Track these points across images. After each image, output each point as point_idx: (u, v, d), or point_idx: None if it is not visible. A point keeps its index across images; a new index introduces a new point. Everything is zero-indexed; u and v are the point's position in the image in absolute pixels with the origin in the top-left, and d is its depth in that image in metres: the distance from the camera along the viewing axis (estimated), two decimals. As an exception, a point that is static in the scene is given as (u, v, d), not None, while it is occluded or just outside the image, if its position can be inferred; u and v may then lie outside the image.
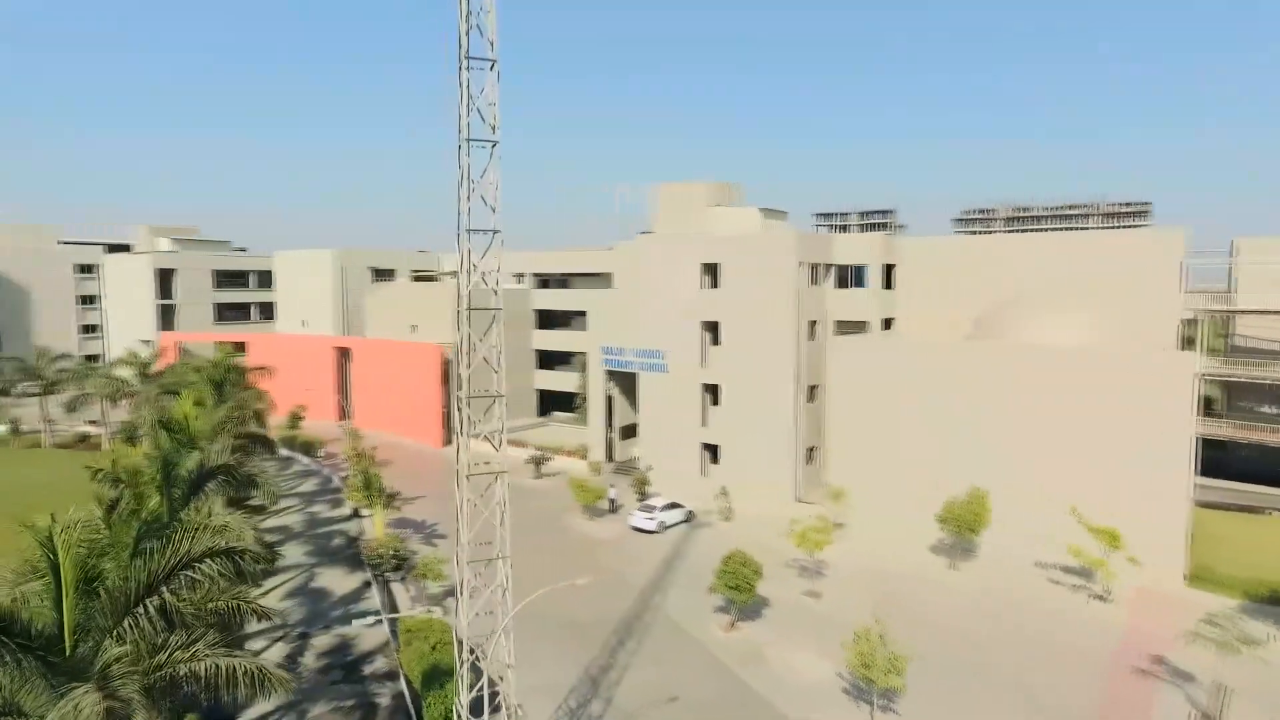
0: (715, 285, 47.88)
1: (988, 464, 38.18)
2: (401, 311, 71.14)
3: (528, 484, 52.29)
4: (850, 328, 47.77)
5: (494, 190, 18.70)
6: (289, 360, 77.16)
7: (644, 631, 31.04)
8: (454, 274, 68.10)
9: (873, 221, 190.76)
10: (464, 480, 20.29)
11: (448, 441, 64.71)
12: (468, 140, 17.99)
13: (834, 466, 44.48)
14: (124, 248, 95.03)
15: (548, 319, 70.65)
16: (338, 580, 36.26)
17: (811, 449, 47.04)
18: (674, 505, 44.03)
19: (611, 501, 48.83)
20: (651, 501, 44.01)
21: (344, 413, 74.51)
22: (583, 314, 64.90)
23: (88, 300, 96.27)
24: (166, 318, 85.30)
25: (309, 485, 55.07)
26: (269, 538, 42.41)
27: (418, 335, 68.11)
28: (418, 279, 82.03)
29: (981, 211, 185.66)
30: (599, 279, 65.52)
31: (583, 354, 62.20)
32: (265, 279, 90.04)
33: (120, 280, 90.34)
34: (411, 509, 47.52)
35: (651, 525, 42.22)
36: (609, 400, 55.81)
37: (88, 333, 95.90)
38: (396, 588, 35.57)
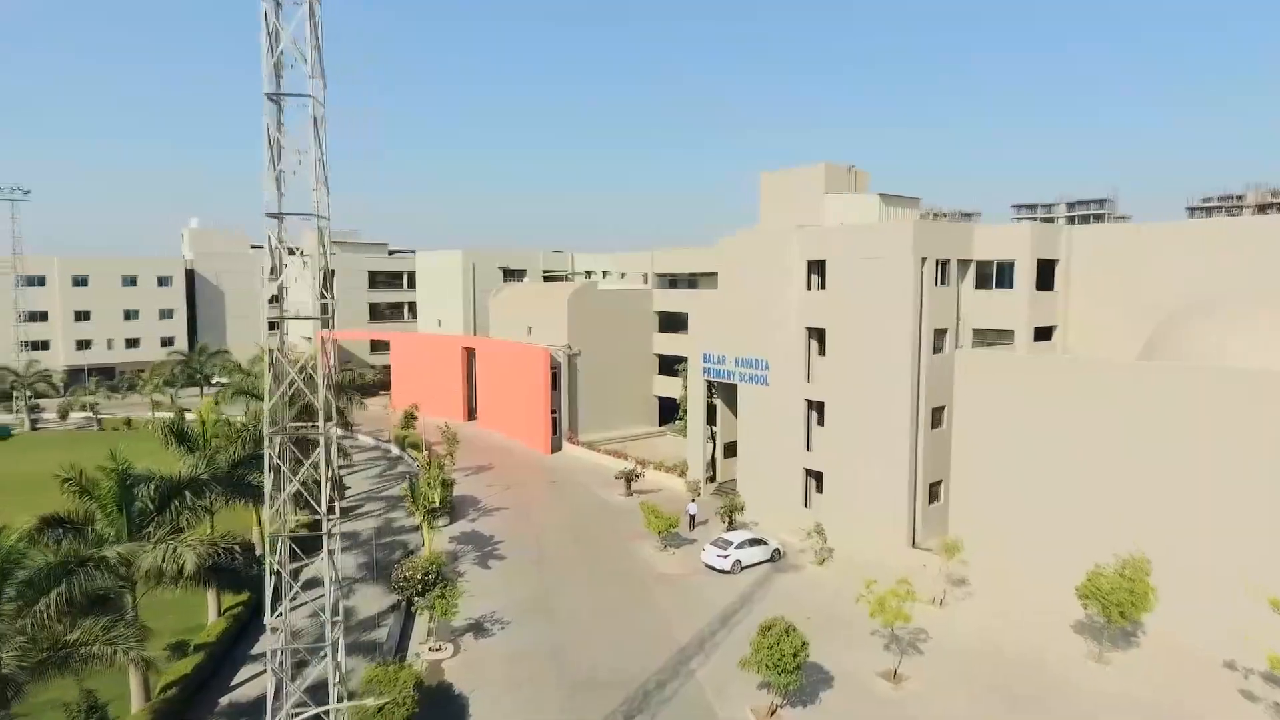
0: (823, 286, 40.92)
1: (1159, 524, 28.76)
2: (519, 312, 69.71)
3: (614, 502, 48.07)
4: (993, 338, 38.93)
5: (316, 160, 14.48)
6: (424, 359, 78.77)
7: (664, 702, 25.58)
8: (588, 274, 65.20)
9: (1084, 213, 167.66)
10: (277, 542, 16.40)
11: (556, 448, 62.17)
12: (279, 95, 13.91)
13: (956, 509, 36.18)
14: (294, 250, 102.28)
15: (669, 322, 66.16)
16: (371, 600, 33.99)
17: (936, 484, 38.80)
18: (756, 541, 37.83)
19: (692, 519, 43.68)
20: (729, 535, 38.09)
21: (470, 413, 74.58)
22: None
23: (272, 300, 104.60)
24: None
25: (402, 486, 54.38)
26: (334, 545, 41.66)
27: (533, 337, 66.20)
28: (548, 279, 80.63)
29: (1226, 198, 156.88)
30: (710, 279, 60.05)
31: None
32: (414, 280, 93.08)
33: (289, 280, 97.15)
34: (486, 521, 44.93)
35: (724, 564, 36.37)
36: (711, 412, 50.27)
37: (272, 330, 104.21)
38: (424, 615, 32.62)
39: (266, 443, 16.34)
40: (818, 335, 41.46)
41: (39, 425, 75.08)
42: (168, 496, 24.76)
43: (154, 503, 24.15)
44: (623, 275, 76.86)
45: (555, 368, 62.49)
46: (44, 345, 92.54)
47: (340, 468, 58.15)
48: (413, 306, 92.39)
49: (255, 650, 29.66)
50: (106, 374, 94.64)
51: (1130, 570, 26.90)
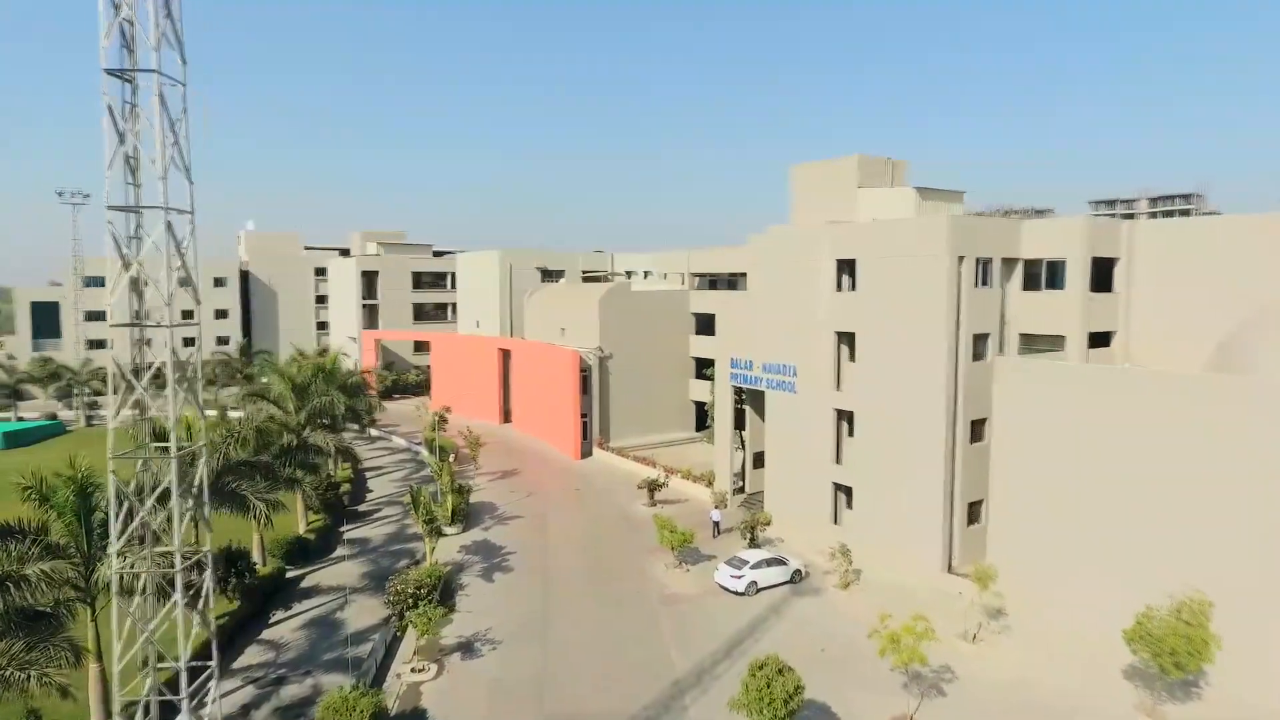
0: (853, 287, 37.97)
1: (1226, 562, 25.12)
2: (553, 313, 68.25)
3: (635, 512, 45.93)
4: (1043, 344, 35.34)
5: (170, 144, 12.77)
6: (462, 360, 78.17)
7: (648, 745, 23.35)
8: (628, 275, 63.22)
9: (1168, 209, 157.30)
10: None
11: (586, 453, 60.40)
12: (135, 71, 12.23)
13: (995, 533, 32.85)
14: (347, 252, 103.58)
15: (706, 324, 63.62)
16: (367, 613, 32.62)
17: (975, 504, 35.43)
18: (774, 561, 35.15)
19: (716, 525, 41.43)
20: (745, 554, 35.50)
21: (505, 415, 73.57)
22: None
23: (321, 300, 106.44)
24: (371, 316, 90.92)
25: (431, 489, 53.38)
26: (342, 550, 40.74)
27: (566, 339, 64.62)
28: (587, 279, 79.04)
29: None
30: (742, 279, 57.35)
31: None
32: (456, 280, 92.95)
33: (337, 281, 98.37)
34: (500, 530, 43.39)
35: (738, 585, 33.84)
36: (739, 419, 47.69)
37: (321, 329, 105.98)
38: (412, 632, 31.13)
39: (110, 465, 14.64)
40: (848, 340, 38.53)
41: (94, 421, 77.28)
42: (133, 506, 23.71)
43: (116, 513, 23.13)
44: (664, 276, 74.69)
45: (585, 370, 60.76)
46: (104, 344, 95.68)
47: (364, 470, 57.80)
48: (456, 307, 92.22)
49: (236, 665, 28.61)
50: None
51: (1188, 614, 23.40)
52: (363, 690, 22.98)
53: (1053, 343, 34.97)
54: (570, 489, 52.32)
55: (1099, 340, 35.07)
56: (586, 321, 62.87)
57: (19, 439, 69.48)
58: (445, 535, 42.01)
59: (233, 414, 71.13)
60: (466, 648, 29.49)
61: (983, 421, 34.81)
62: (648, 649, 29.32)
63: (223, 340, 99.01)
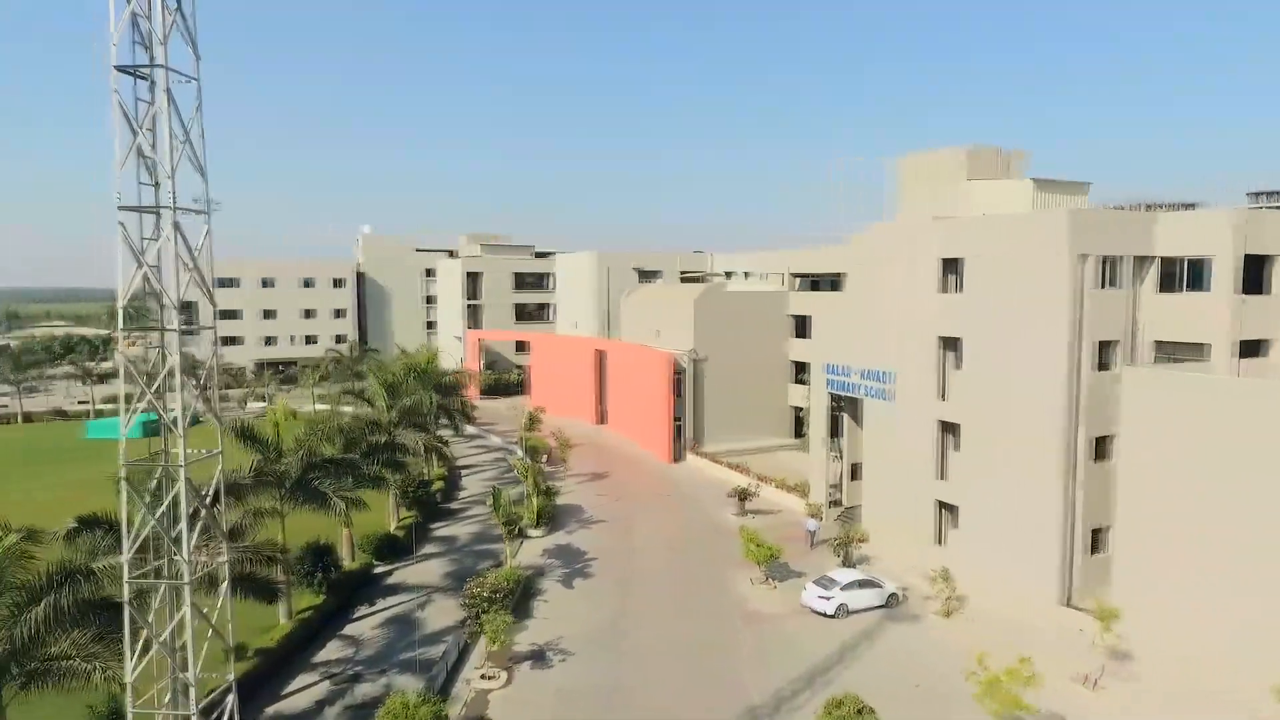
0: (959, 288, 35.00)
1: None
2: (648, 315, 67.38)
3: (723, 521, 44.25)
4: (1182, 353, 31.33)
5: (180, 142, 12.24)
6: (560, 360, 78.56)
7: (716, 778, 21.83)
8: (727, 275, 61.91)
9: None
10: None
11: (678, 457, 59.15)
12: (147, 69, 11.80)
13: (1122, 564, 29.30)
14: (454, 254, 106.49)
15: (805, 326, 61.05)
16: (446, 614, 32.58)
17: (1100, 531, 31.81)
18: (867, 583, 32.77)
19: (811, 535, 39.44)
20: (835, 574, 33.25)
21: (601, 416, 73.32)
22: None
23: (430, 300, 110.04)
24: (474, 316, 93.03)
25: (518, 491, 53.57)
26: (430, 549, 41.09)
27: (661, 340, 63.58)
28: (685, 280, 77.76)
29: None
30: (845, 280, 54.35)
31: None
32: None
33: (444, 282, 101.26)
34: (584, 534, 42.77)
35: (827, 607, 31.68)
36: (836, 427, 45.20)
37: (430, 328, 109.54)
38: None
39: (121, 473, 14.37)
40: (953, 346, 35.55)
41: (223, 414, 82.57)
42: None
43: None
44: (763, 276, 72.44)
45: (679, 373, 59.50)
46: (237, 341, 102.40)
47: (458, 468, 58.69)
48: (555, 308, 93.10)
49: (317, 659, 29.06)
50: (288, 368, 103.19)
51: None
52: (425, 698, 22.58)
53: (1194, 352, 30.92)
54: (659, 494, 51.21)
55: (1251, 349, 30.70)
56: (681, 323, 61.60)
57: (156, 429, 74.95)
58: (530, 537, 41.83)
59: (344, 409, 74.24)
60: (538, 656, 28.82)
61: (1108, 439, 31.19)
62: (724, 670, 27.76)
63: (340, 339, 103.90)
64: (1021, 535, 32.22)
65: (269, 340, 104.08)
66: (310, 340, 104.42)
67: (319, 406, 72.94)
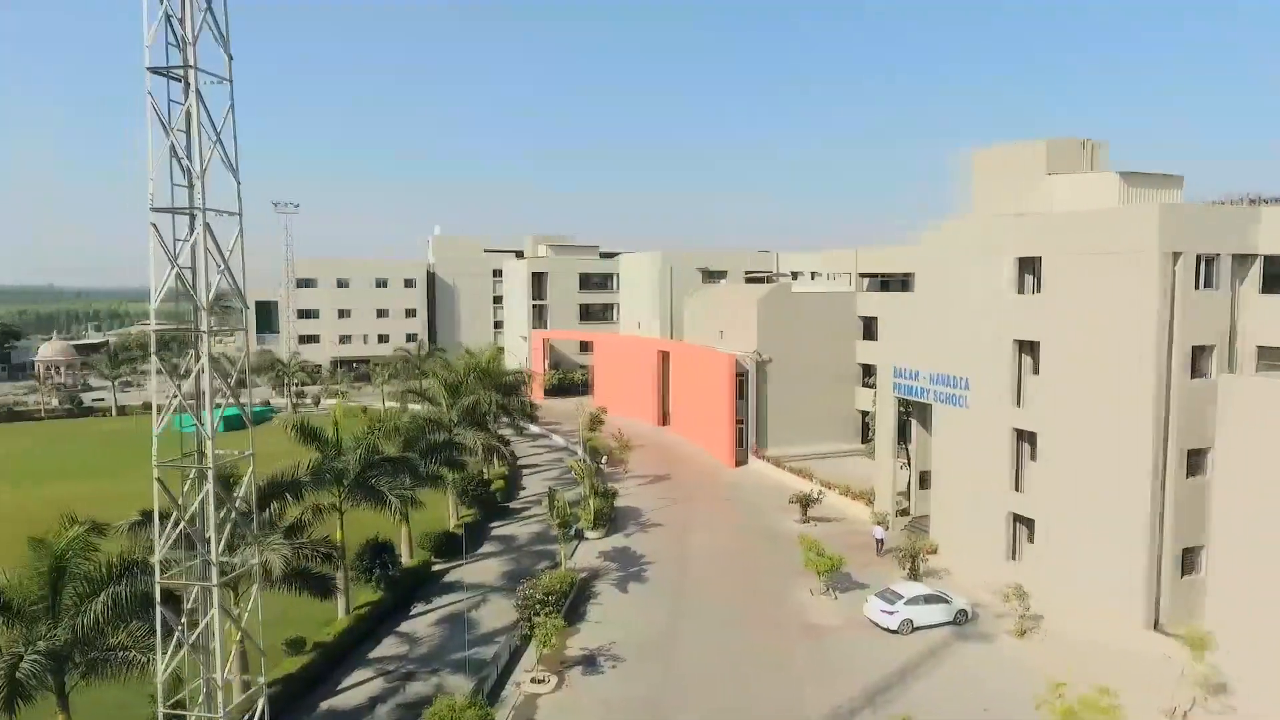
0: (1037, 288, 33.05)
1: None
2: (711, 315, 66.45)
3: (785, 528, 43.05)
4: (1289, 359, 28.77)
5: (212, 142, 12.08)
6: (623, 360, 78.39)
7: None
8: (794, 275, 60.76)
9: None
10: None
11: (741, 461, 58.09)
12: (177, 70, 11.70)
13: (1217, 588, 27.04)
14: (521, 254, 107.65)
15: (874, 328, 59.15)
16: (501, 614, 32.52)
17: (1192, 551, 29.49)
18: (934, 597, 31.22)
19: (879, 543, 38.19)
20: (899, 587, 31.79)
21: (663, 418, 72.75)
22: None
23: (498, 300, 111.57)
24: (540, 316, 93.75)
25: (577, 492, 53.45)
26: (489, 548, 41.26)
27: (724, 341, 62.60)
28: (750, 280, 76.45)
29: None
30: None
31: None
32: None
33: (511, 282, 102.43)
34: (642, 538, 42.27)
35: (890, 622, 30.29)
36: (903, 432, 43.50)
37: (498, 328, 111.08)
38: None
39: (155, 472, 14.32)
40: (1030, 350, 33.59)
41: (298, 409, 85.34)
42: (267, 497, 24.80)
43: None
44: (830, 276, 70.63)
45: (742, 375, 58.43)
46: (315, 339, 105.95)
47: (520, 467, 59.02)
48: (619, 308, 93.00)
49: (373, 655, 29.37)
50: (362, 366, 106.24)
51: None
52: (471, 701, 22.42)
53: (1303, 358, 28.34)
54: (719, 498, 50.34)
55: (1370, 356, 27.94)
56: (744, 324, 60.50)
57: (237, 423, 78.05)
58: (587, 539, 41.60)
59: (413, 407, 75.72)
60: (590, 661, 28.43)
61: (1203, 452, 28.87)
62: (779, 684, 26.80)
63: (411, 337, 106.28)
64: (1104, 553, 30.14)
65: (344, 339, 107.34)
66: (383, 339, 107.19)
67: (389, 404, 74.58)
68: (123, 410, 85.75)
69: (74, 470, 58.66)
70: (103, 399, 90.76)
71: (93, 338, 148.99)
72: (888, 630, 30.28)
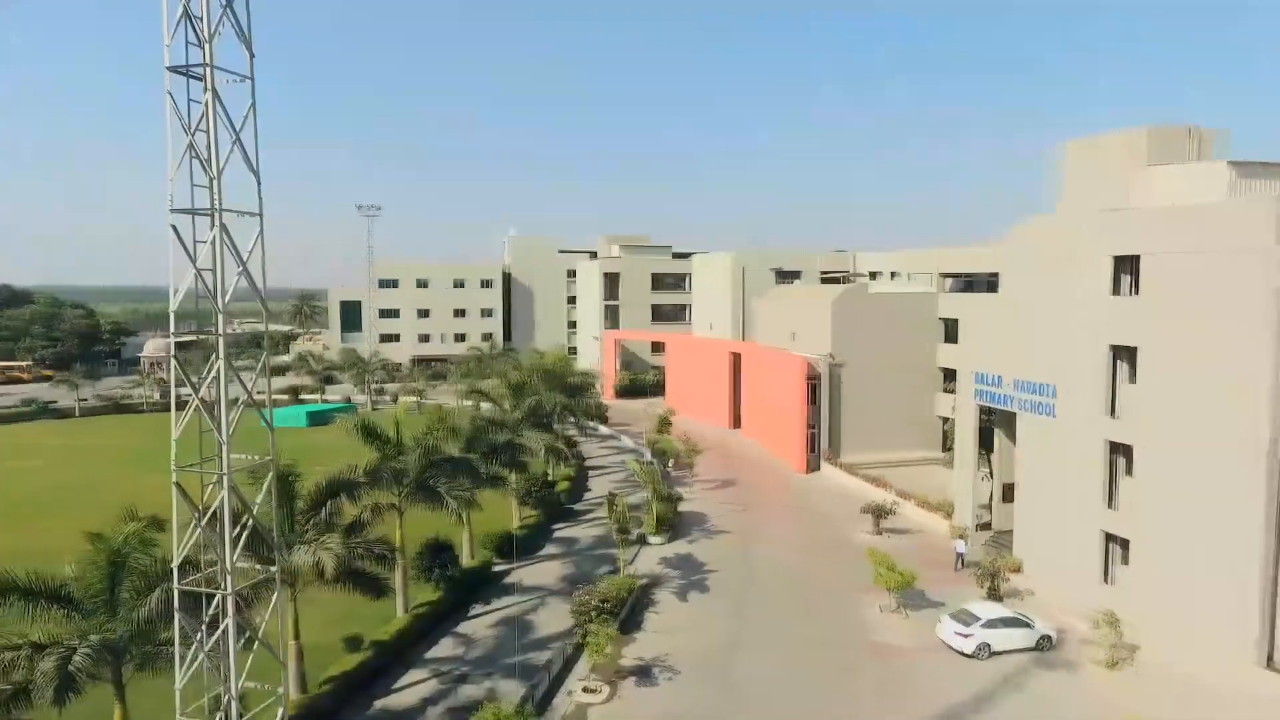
0: (1135, 289, 30.44)
1: None
2: (784, 317, 64.69)
3: (856, 540, 41.25)
4: None
5: (231, 141, 11.72)
6: (695, 362, 77.43)
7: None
8: (872, 275, 58.80)
9: None
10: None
11: (813, 467, 56.28)
12: (197, 69, 11.40)
13: (1343, 626, 24.14)
14: (595, 255, 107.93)
15: (956, 331, 56.38)
16: (558, 619, 32.11)
17: (1313, 579, 26.47)
18: (1014, 621, 29.11)
19: (960, 558, 36.32)
20: (976, 608, 29.76)
21: (735, 421, 71.41)
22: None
23: (572, 301, 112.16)
24: (612, 317, 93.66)
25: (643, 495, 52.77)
26: (550, 549, 40.99)
27: (797, 344, 60.83)
28: (826, 281, 74.22)
29: None
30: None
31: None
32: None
33: (584, 283, 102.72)
34: (706, 545, 41.26)
35: (966, 645, 28.37)
36: (985, 440, 41.04)
37: (571, 328, 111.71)
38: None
39: (173, 478, 14.03)
40: (1127, 356, 30.99)
41: (378, 406, 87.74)
42: (324, 496, 25.01)
43: (308, 500, 24.50)
44: (910, 277, 67.80)
45: (814, 378, 56.58)
46: (396, 338, 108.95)
47: (587, 468, 58.76)
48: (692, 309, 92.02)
49: (429, 655, 29.38)
50: (440, 364, 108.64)
51: None
52: (517, 709, 21.98)
53: None
54: (788, 505, 48.83)
55: None
56: (818, 326, 58.60)
57: (319, 418, 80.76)
58: (650, 544, 40.86)
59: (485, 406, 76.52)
60: (644, 673, 27.64)
61: (1328, 471, 25.87)
62: (842, 706, 25.43)
63: (487, 337, 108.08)
64: (1210, 580, 27.43)
65: (423, 338, 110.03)
66: (460, 338, 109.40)
67: (464, 402, 75.81)
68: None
69: (156, 462, 61.66)
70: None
71: (195, 335, 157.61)
72: (962, 654, 28.35)
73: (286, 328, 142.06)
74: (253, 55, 12.62)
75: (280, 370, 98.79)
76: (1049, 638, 29.01)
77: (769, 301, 69.39)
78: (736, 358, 70.22)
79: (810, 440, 56.70)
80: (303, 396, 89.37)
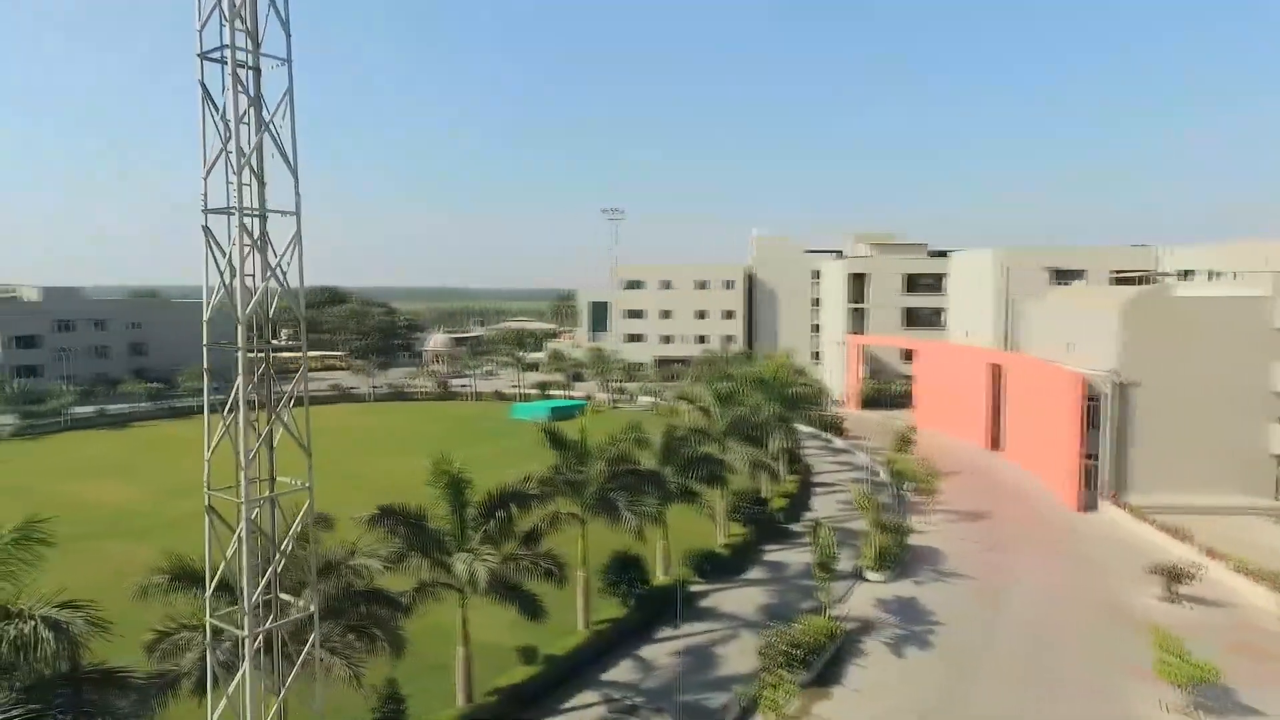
0: None
1: None
2: (1058, 324, 54.83)
3: (1139, 606, 32.94)
4: None
5: (264, 135, 9.98)
6: (948, 372, 69.25)
7: None
8: (1182, 275, 49.02)
9: None
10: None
11: (1089, 505, 46.93)
12: (235, 57, 9.82)
13: None
14: (841, 254, 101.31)
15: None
16: (747, 656, 28.76)
17: None
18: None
19: None
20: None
21: (995, 441, 62.42)
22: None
23: (817, 303, 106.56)
24: (858, 320, 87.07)
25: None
26: (755, 574, 37.54)
27: (1073, 356, 51.25)
28: (1119, 281, 62.11)
29: None
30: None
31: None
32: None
33: (828, 284, 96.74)
34: (936, 589, 35.49)
35: (1293, 783, 20.50)
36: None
37: (815, 332, 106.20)
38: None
39: (206, 500, 12.63)
40: None
41: (617, 405, 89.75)
42: (493, 506, 24.12)
43: (479, 509, 23.76)
44: (1235, 276, 54.26)
45: (1095, 399, 47.06)
46: (640, 338, 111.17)
47: (812, 484, 54.13)
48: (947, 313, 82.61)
49: (605, 676, 27.68)
50: (682, 364, 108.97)
51: None
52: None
53: None
54: (1051, 550, 40.71)
55: None
56: (1102, 335, 48.72)
57: (562, 413, 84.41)
58: (867, 580, 35.96)
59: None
60: (826, 742, 23.53)
61: None
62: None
63: (728, 339, 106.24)
64: None
65: (666, 338, 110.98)
66: (701, 340, 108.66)
67: (682, 407, 74.78)
68: (479, 397, 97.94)
69: (414, 446, 67.62)
70: (467, 385, 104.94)
71: (473, 331, 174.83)
72: (1287, 794, 20.60)
73: (549, 325, 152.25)
74: (289, 35, 11.34)
75: (532, 367, 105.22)
76: None
77: (1038, 306, 59.45)
78: (997, 369, 61.21)
79: (1087, 472, 47.27)
80: (550, 392, 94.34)
